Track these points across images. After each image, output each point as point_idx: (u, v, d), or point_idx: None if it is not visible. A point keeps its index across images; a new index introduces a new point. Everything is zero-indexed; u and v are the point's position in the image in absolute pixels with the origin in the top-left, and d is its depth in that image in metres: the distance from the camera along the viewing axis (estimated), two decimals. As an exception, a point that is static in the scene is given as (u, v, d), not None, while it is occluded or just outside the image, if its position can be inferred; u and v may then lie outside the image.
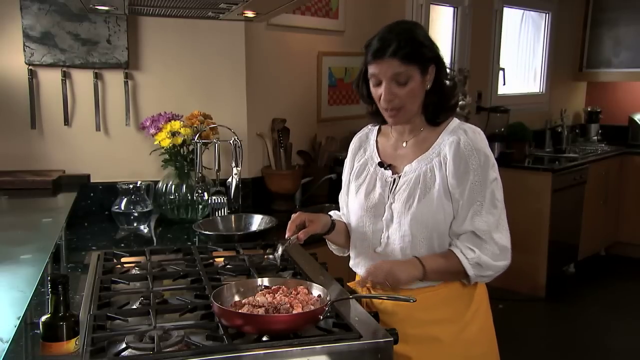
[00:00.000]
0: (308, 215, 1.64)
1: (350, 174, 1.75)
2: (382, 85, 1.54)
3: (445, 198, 1.56)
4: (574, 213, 4.64)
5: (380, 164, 1.67)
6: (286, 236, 1.60)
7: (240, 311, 1.35)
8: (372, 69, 1.56)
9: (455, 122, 1.63)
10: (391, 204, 1.62)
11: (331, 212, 1.84)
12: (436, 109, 1.61)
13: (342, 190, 1.82)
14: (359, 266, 1.73)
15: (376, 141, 1.74)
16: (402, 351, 1.53)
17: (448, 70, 1.61)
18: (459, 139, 1.56)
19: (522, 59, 5.30)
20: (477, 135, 1.58)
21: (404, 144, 1.66)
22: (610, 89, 5.86)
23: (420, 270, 1.53)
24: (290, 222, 1.62)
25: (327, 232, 1.70)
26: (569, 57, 5.64)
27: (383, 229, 1.63)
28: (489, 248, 1.55)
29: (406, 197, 1.58)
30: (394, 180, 1.63)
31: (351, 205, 1.73)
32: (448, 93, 1.61)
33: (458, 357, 1.60)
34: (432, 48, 1.57)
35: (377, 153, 1.71)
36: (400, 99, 1.54)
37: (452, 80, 1.64)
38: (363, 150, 1.75)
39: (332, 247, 1.83)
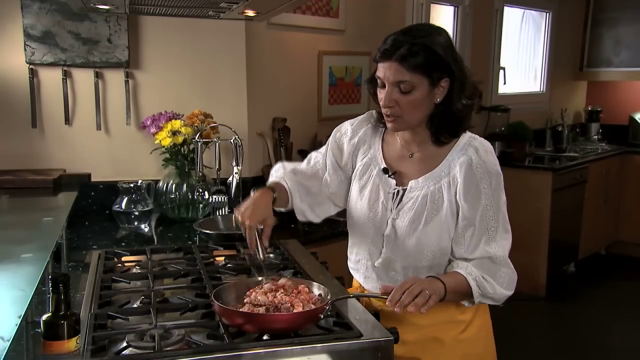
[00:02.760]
0: (251, 217, 1.51)
1: (354, 170, 1.68)
2: (385, 88, 1.46)
3: (451, 220, 1.50)
4: (574, 212, 4.63)
5: (385, 170, 1.60)
6: (259, 257, 1.53)
7: (240, 310, 1.35)
8: (378, 70, 1.47)
9: (465, 136, 1.54)
10: (394, 219, 1.55)
11: (274, 175, 1.73)
12: (439, 128, 1.51)
13: (321, 151, 1.73)
14: (358, 273, 1.69)
15: (382, 139, 1.66)
16: (402, 353, 1.51)
17: (468, 89, 1.49)
18: (471, 160, 1.49)
19: (523, 58, 5.30)
20: (488, 155, 1.51)
21: (410, 155, 1.58)
22: (610, 88, 5.86)
23: (443, 291, 1.43)
24: (248, 242, 1.52)
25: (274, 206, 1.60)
26: (569, 56, 5.64)
27: (384, 243, 1.57)
28: (504, 275, 1.50)
29: (412, 217, 1.52)
30: (398, 192, 1.56)
31: (353, 208, 1.66)
32: (456, 113, 1.49)
33: (458, 356, 1.58)
34: (449, 61, 1.44)
35: (382, 155, 1.63)
36: (401, 108, 1.46)
37: (471, 101, 1.51)
38: (368, 146, 1.66)
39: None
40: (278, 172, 1.76)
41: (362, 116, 1.72)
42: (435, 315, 1.53)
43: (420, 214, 1.51)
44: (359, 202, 1.64)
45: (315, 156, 1.77)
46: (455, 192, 1.49)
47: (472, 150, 1.50)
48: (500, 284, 1.50)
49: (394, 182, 1.58)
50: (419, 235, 1.51)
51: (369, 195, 1.61)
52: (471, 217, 1.48)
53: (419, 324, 1.56)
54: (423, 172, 1.54)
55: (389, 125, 1.53)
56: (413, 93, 1.44)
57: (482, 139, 1.56)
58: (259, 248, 1.53)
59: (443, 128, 1.51)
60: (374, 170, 1.62)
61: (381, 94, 1.49)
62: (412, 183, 1.55)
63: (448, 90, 1.47)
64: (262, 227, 1.55)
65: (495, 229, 1.50)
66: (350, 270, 1.74)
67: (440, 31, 1.49)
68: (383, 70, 1.46)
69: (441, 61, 1.44)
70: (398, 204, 1.56)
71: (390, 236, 1.56)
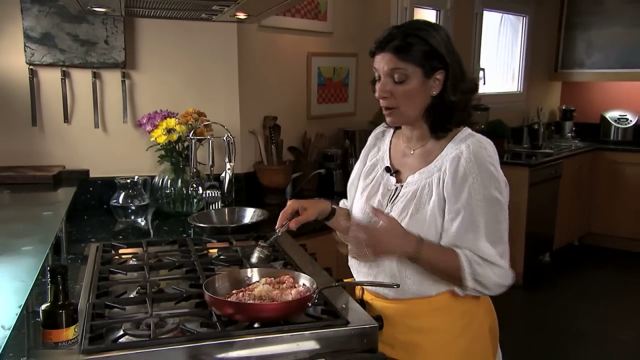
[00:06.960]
0: (302, 202, 1.54)
1: (362, 170, 1.66)
2: (381, 80, 1.43)
3: (439, 215, 1.42)
4: (549, 205, 4.67)
5: (387, 169, 1.56)
6: (276, 228, 1.55)
7: (229, 299, 1.34)
8: (374, 63, 1.44)
9: (465, 132, 1.46)
10: (388, 213, 1.49)
11: (341, 202, 1.75)
12: (435, 120, 1.45)
13: (350, 181, 1.70)
14: (353, 268, 1.63)
15: (390, 141, 1.62)
16: (388, 354, 1.46)
17: (466, 84, 1.44)
18: (461, 153, 1.40)
19: (501, 59, 5.32)
20: (482, 150, 1.40)
21: (412, 152, 1.53)
22: (583, 89, 5.90)
23: (414, 249, 1.37)
24: (282, 212, 1.55)
25: (326, 218, 1.60)
26: (544, 58, 5.66)
27: None
28: (497, 271, 1.39)
29: (400, 210, 1.46)
30: (396, 189, 1.52)
31: (355, 204, 1.63)
32: (451, 105, 1.43)
33: None
34: (443, 53, 1.40)
35: (388, 155, 1.59)
36: (396, 99, 1.42)
37: (467, 94, 1.46)
38: (377, 149, 1.63)
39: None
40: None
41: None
42: (425, 319, 1.49)
43: (407, 208, 1.46)
44: (359, 199, 1.62)
45: (349, 191, 1.73)
46: (443, 188, 1.41)
47: (465, 145, 1.41)
48: (494, 274, 1.39)
49: (394, 179, 1.54)
50: (406, 227, 1.43)
51: (369, 192, 1.58)
52: (456, 210, 1.38)
53: (408, 324, 1.49)
54: (420, 167, 1.49)
55: (387, 119, 1.49)
56: (407, 83, 1.40)
57: (483, 136, 1.46)
58: (284, 222, 1.53)
59: (438, 120, 1.46)
60: (379, 170, 1.59)
61: (376, 87, 1.46)
62: (409, 178, 1.50)
63: (443, 82, 1.42)
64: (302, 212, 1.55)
65: (484, 227, 1.37)
66: (350, 268, 1.68)
67: (437, 27, 1.45)
68: (377, 61, 1.43)
69: (435, 53, 1.40)
70: (394, 199, 1.51)
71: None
